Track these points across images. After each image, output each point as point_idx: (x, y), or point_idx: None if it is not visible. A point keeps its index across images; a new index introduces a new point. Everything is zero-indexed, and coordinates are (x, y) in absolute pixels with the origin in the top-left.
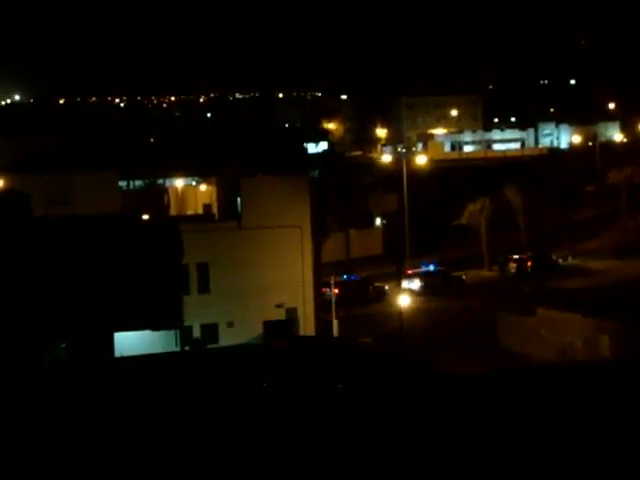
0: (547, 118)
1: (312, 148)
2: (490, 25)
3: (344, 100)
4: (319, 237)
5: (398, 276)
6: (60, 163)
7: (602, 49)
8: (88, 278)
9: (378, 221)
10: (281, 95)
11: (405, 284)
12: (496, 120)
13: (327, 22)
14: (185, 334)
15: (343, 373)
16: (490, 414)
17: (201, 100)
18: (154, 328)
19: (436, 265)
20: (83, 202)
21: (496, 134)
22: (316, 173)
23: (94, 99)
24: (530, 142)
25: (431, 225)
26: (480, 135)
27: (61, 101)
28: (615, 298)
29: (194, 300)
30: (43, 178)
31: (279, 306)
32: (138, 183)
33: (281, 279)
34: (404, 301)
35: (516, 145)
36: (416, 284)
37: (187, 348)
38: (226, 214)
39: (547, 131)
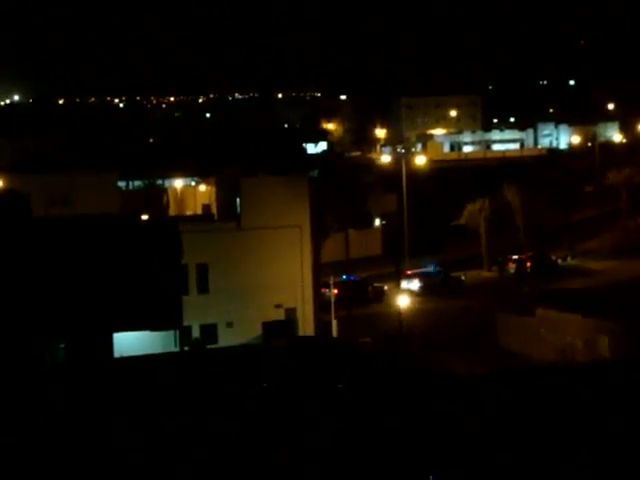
0: (546, 118)
1: (311, 148)
2: (489, 25)
3: (343, 100)
4: (318, 237)
5: (397, 276)
6: (59, 163)
7: (601, 49)
8: (87, 278)
9: (377, 221)
10: (280, 95)
11: (404, 284)
12: (495, 120)
13: (326, 22)
14: (184, 334)
15: (343, 373)
16: (490, 414)
17: (200, 100)
18: (153, 328)
19: (435, 265)
20: (82, 202)
21: (495, 134)
22: (315, 173)
23: (93, 99)
24: (529, 142)
25: (430, 225)
26: (479, 135)
27: (61, 101)
28: (615, 298)
29: (193, 300)
30: (42, 178)
31: (278, 306)
32: (137, 183)
33: (280, 279)
34: (403, 301)
35: (515, 145)
36: (415, 284)
37: (186, 348)
38: (225, 214)
39: (546, 131)
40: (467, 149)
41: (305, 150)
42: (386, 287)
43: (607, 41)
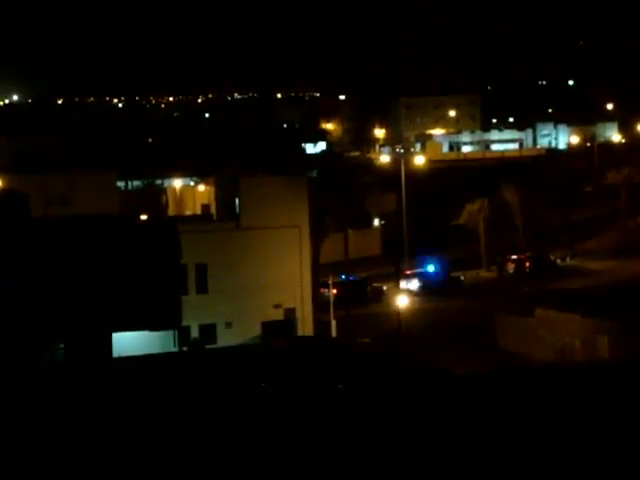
0: (545, 118)
1: (310, 148)
2: (489, 25)
3: (343, 100)
4: (317, 237)
5: (396, 276)
6: (58, 163)
7: (600, 50)
8: (86, 278)
9: (376, 221)
10: (279, 95)
11: (403, 284)
12: (494, 120)
13: (326, 22)
14: (183, 334)
15: (342, 373)
16: (489, 414)
17: (199, 100)
18: (152, 328)
19: (435, 265)
20: (81, 202)
21: (494, 134)
22: (314, 173)
23: (92, 99)
24: (528, 142)
25: (429, 225)
26: (478, 135)
27: (60, 101)
28: (614, 298)
29: (192, 300)
30: (41, 178)
31: (277, 306)
32: (136, 183)
33: (279, 279)
34: (402, 301)
35: (514, 145)
36: (414, 284)
37: (185, 348)
38: (224, 214)
39: (545, 131)
40: (466, 149)
41: (304, 150)
42: (385, 287)
43: (606, 41)
